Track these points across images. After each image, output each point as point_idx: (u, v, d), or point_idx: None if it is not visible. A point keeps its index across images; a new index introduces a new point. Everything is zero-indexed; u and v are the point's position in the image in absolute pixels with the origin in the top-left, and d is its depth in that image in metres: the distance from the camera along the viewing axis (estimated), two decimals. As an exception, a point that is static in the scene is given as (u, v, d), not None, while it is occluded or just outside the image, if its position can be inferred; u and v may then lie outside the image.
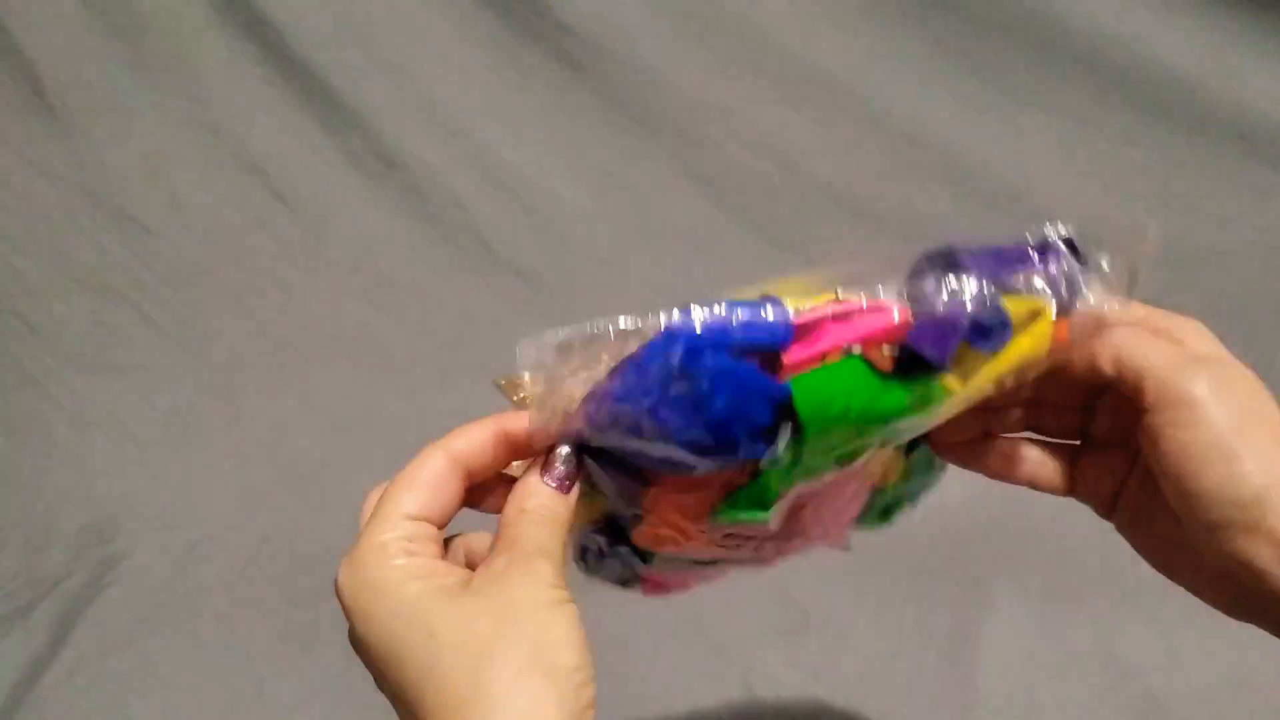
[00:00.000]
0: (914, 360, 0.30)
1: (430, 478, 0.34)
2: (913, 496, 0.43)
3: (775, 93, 1.06)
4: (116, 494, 1.11)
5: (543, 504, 0.32)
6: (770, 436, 0.30)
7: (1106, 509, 0.37)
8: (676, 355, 0.28)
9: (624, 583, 0.42)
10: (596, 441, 0.32)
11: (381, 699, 0.30)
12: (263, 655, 0.90)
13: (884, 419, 0.30)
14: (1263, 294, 1.04)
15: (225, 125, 1.11)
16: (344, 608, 0.30)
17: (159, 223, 1.13)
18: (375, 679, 0.30)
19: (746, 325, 0.28)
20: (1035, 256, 0.32)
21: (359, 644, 0.30)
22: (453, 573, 0.31)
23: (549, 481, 0.33)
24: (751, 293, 0.31)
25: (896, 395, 0.30)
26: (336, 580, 0.30)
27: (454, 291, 1.15)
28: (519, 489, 0.34)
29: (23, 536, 1.07)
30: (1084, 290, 0.31)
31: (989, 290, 0.29)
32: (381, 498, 0.34)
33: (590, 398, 0.31)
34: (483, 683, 0.26)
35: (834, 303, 0.31)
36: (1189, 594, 0.34)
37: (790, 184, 1.10)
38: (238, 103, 1.10)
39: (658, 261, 1.13)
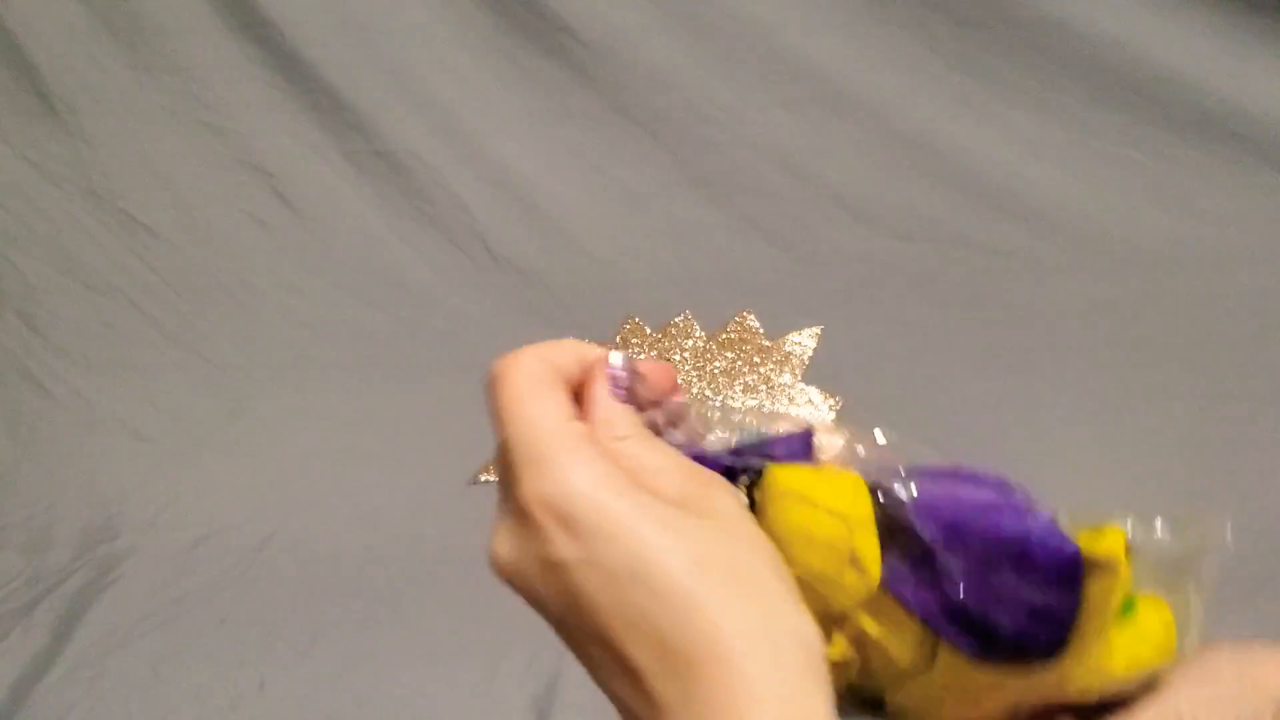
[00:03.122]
0: None
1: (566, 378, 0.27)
2: None
3: (775, 95, 1.07)
4: (118, 494, 1.11)
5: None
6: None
7: None
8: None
9: None
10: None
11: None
12: (263, 654, 0.90)
13: None
14: (1262, 294, 1.04)
15: (227, 126, 1.11)
16: (559, 519, 0.23)
17: (161, 223, 1.14)
18: (572, 612, 0.24)
19: None
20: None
21: (566, 566, 0.23)
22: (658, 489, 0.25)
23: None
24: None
25: None
26: (536, 491, 0.23)
27: (454, 291, 1.15)
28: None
29: (25, 536, 1.08)
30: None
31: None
32: (531, 397, 0.26)
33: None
34: (757, 606, 0.22)
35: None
36: None
37: (790, 184, 1.10)
38: (239, 104, 1.10)
39: (658, 261, 1.13)
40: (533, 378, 0.26)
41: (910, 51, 1.04)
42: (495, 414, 0.26)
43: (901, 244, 1.09)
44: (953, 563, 0.24)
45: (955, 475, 0.25)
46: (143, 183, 1.12)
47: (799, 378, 1.24)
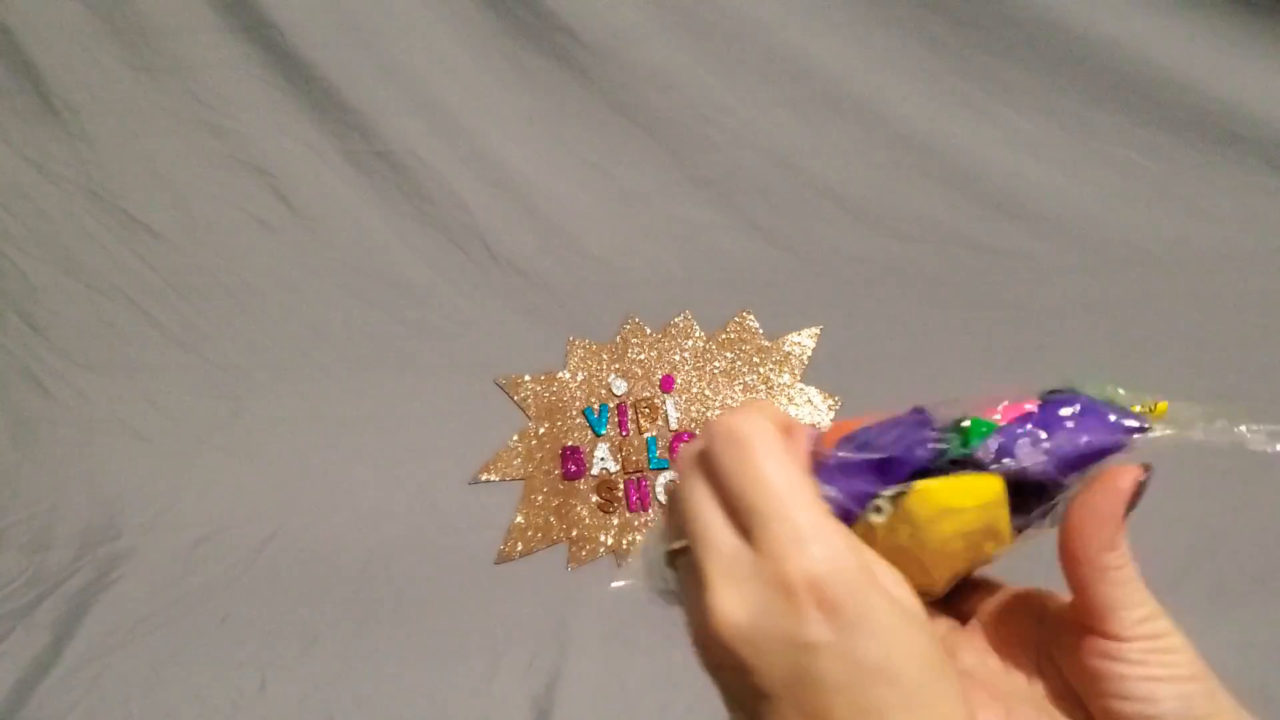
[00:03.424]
0: None
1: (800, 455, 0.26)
2: None
3: (775, 95, 1.07)
4: (119, 493, 1.11)
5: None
6: None
7: None
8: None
9: None
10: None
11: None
12: (265, 653, 0.90)
13: None
14: (1261, 294, 1.04)
15: (228, 127, 1.11)
16: (823, 603, 0.23)
17: (162, 224, 1.14)
18: (797, 690, 0.24)
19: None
20: None
21: (816, 649, 0.23)
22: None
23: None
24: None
25: None
26: (807, 571, 0.23)
27: (454, 291, 1.15)
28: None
29: (26, 536, 1.08)
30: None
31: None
32: (789, 469, 0.25)
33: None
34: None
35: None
36: None
37: (790, 184, 1.10)
38: (240, 104, 1.10)
39: (658, 262, 1.13)
40: (782, 447, 0.26)
41: (911, 52, 1.04)
42: (738, 475, 0.25)
43: (901, 244, 1.09)
44: (1069, 487, 0.27)
45: (1041, 419, 0.28)
46: (143, 183, 1.13)
47: (799, 378, 1.26)
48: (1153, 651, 0.26)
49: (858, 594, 0.23)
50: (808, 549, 0.24)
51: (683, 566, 0.27)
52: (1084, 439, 0.27)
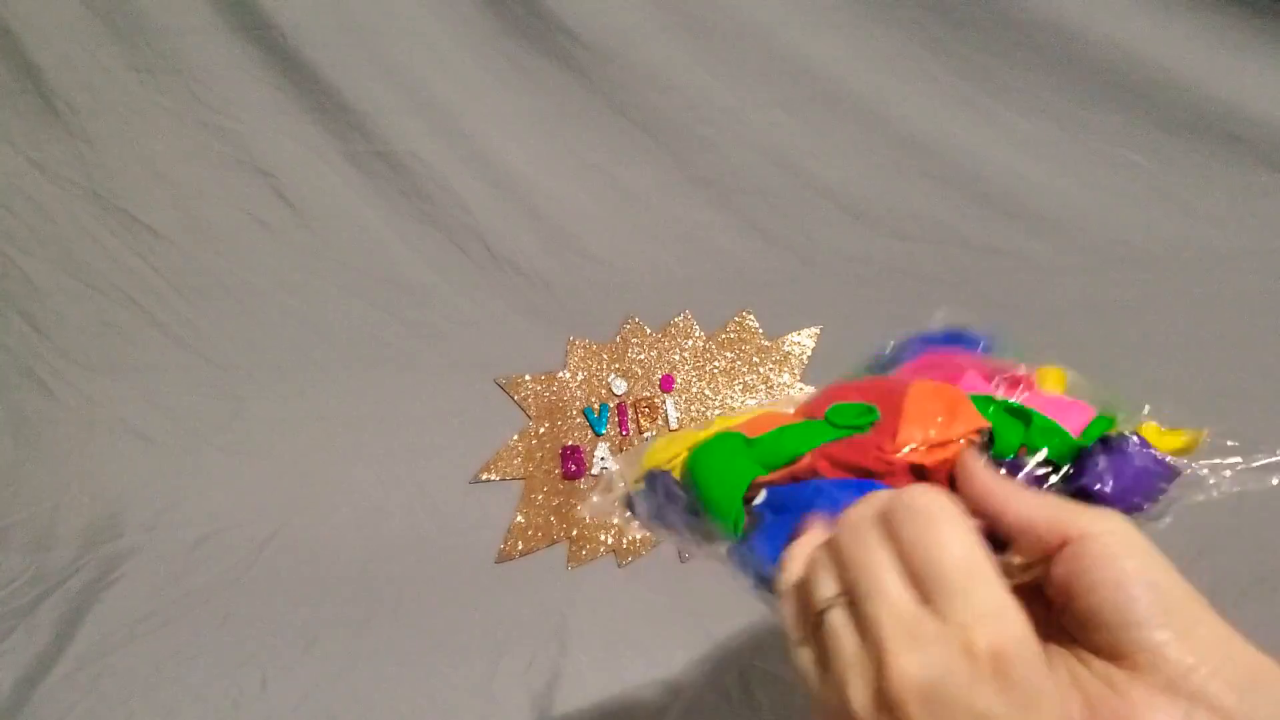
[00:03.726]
0: None
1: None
2: None
3: (775, 95, 1.07)
4: (121, 493, 1.11)
5: None
6: None
7: None
8: None
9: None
10: None
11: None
12: (266, 653, 0.90)
13: None
14: (1259, 295, 1.04)
15: (229, 128, 1.11)
16: (999, 672, 0.25)
17: (163, 224, 1.14)
18: None
19: None
20: None
21: (990, 716, 0.24)
22: None
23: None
24: None
25: None
26: (994, 639, 0.25)
27: (455, 291, 1.15)
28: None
29: (28, 535, 1.08)
30: None
31: None
32: (978, 548, 0.27)
33: None
34: None
35: None
36: None
37: (790, 184, 1.10)
38: (241, 105, 1.10)
39: (658, 262, 1.14)
40: (968, 525, 0.28)
41: (911, 53, 1.04)
42: (926, 545, 0.27)
43: (901, 244, 1.10)
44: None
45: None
46: (144, 183, 1.13)
47: (798, 378, 1.26)
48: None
49: (1035, 674, 0.25)
50: (998, 622, 0.25)
51: (836, 620, 0.28)
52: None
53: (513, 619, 0.92)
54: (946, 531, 0.27)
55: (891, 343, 0.45)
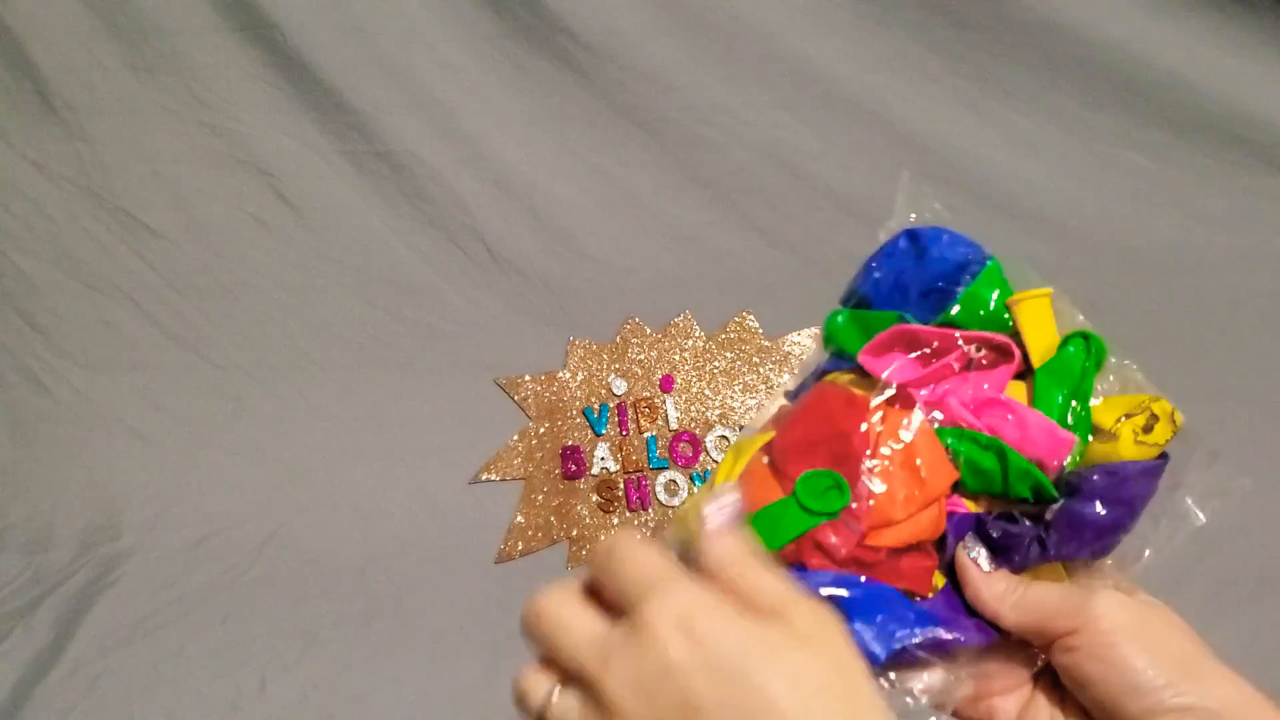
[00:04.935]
0: None
1: None
2: None
3: (775, 96, 1.07)
4: (120, 493, 1.11)
5: None
6: None
7: None
8: None
9: None
10: None
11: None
12: (265, 653, 0.90)
13: None
14: (1261, 295, 1.04)
15: (228, 127, 1.11)
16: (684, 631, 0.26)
17: (162, 223, 1.14)
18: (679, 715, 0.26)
19: None
20: None
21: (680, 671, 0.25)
22: None
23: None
24: None
25: None
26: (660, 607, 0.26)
27: (455, 291, 1.15)
28: None
29: (27, 535, 1.08)
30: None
31: None
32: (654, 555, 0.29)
33: None
34: None
35: None
36: None
37: (790, 184, 1.10)
38: (240, 104, 1.10)
39: (658, 262, 1.14)
40: (645, 543, 0.29)
41: (910, 53, 1.04)
42: (611, 572, 0.28)
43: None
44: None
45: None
46: (143, 182, 1.13)
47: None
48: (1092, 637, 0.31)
49: (717, 623, 0.26)
50: (664, 593, 0.27)
51: (559, 708, 0.29)
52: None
53: (513, 619, 0.92)
54: (620, 549, 0.28)
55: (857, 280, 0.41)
